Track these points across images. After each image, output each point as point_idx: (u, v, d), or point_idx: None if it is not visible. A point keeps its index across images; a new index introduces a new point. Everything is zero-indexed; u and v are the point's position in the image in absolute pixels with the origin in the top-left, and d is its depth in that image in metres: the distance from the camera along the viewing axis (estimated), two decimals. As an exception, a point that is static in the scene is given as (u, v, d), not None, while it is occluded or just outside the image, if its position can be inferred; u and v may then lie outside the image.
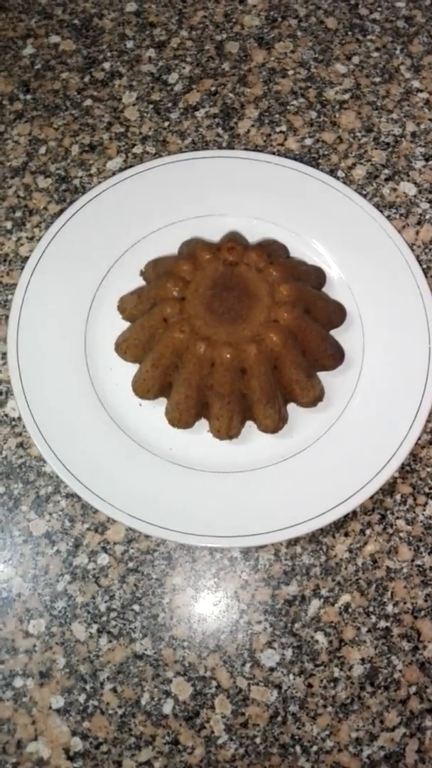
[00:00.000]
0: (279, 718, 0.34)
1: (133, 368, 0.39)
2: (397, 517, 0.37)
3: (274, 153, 0.45)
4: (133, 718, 0.34)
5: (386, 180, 0.45)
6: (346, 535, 0.37)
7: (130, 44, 0.50)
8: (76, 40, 0.50)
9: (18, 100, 0.48)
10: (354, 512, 0.37)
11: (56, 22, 0.51)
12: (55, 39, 0.50)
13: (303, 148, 0.46)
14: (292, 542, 0.37)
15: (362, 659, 0.35)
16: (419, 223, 0.44)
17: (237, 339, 0.35)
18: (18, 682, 0.35)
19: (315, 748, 0.33)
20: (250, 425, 0.38)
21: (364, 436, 0.37)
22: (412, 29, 0.50)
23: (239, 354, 0.35)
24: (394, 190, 0.45)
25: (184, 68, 0.49)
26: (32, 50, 0.50)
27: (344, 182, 0.44)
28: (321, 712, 0.34)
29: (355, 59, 0.49)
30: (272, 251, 0.39)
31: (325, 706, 0.34)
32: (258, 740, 0.34)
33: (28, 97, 0.48)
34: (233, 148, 0.46)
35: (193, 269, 0.37)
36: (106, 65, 0.49)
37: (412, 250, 0.42)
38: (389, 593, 0.36)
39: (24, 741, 0.34)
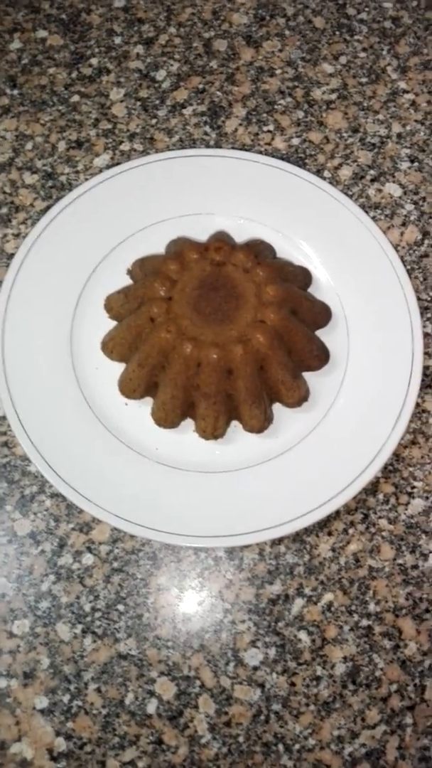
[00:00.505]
0: (262, 717, 0.34)
1: (119, 367, 0.39)
2: (380, 517, 0.37)
3: (261, 152, 0.45)
4: (117, 717, 0.34)
5: (372, 181, 0.45)
6: (330, 534, 0.37)
7: (118, 40, 0.49)
8: (63, 35, 0.50)
9: (4, 95, 0.48)
10: (337, 512, 0.37)
11: (44, 17, 0.50)
12: (42, 33, 0.50)
13: (290, 147, 0.46)
14: (276, 542, 0.37)
15: (344, 658, 0.35)
16: (404, 224, 0.44)
17: (223, 339, 0.35)
18: (2, 683, 0.35)
19: (297, 746, 0.34)
20: (235, 425, 0.38)
21: (348, 436, 0.37)
22: (399, 30, 0.50)
23: (226, 354, 0.35)
24: (380, 191, 0.45)
25: (172, 65, 0.48)
26: (19, 44, 0.49)
27: (330, 182, 0.45)
28: (303, 711, 0.34)
29: (343, 59, 0.49)
30: (259, 251, 0.39)
31: (307, 705, 0.34)
32: (241, 739, 0.34)
33: (15, 92, 0.48)
34: (221, 147, 0.46)
35: (181, 269, 0.37)
36: (94, 61, 0.49)
37: (397, 251, 0.42)
38: (371, 592, 0.36)
39: (8, 742, 0.34)
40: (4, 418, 0.39)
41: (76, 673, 0.35)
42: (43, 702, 0.34)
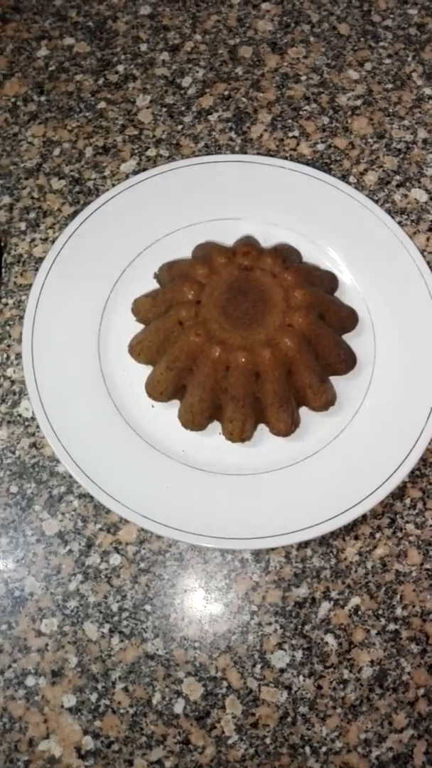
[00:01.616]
0: (289, 719, 0.34)
1: (146, 370, 0.39)
2: (407, 521, 0.37)
3: (286, 158, 0.46)
4: (145, 717, 0.34)
5: (397, 186, 0.45)
6: (356, 538, 0.37)
7: (143, 47, 0.50)
8: (90, 43, 0.50)
9: (32, 101, 0.48)
10: (364, 516, 0.37)
11: (70, 24, 0.51)
12: (69, 41, 0.50)
13: (315, 153, 0.46)
14: (303, 545, 0.37)
15: (371, 661, 0.35)
16: (430, 229, 0.44)
17: (252, 343, 0.35)
18: (30, 681, 0.35)
19: (324, 748, 0.34)
20: (262, 428, 0.38)
21: (374, 441, 0.37)
22: (424, 37, 0.50)
23: (254, 358, 0.35)
24: (406, 196, 0.45)
25: (197, 72, 0.49)
26: (46, 52, 0.50)
27: (356, 188, 0.45)
28: (330, 714, 0.34)
29: (368, 65, 0.49)
30: (286, 256, 0.39)
31: (334, 708, 0.34)
32: (268, 740, 0.34)
33: (43, 98, 0.48)
34: (246, 153, 0.46)
35: (209, 273, 0.37)
36: (120, 68, 0.49)
37: (423, 256, 0.43)
38: (398, 596, 0.36)
39: (36, 739, 0.34)
40: (32, 419, 0.40)
41: (104, 672, 0.35)
42: (71, 700, 0.35)
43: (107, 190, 0.45)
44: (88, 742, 0.34)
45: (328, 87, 0.48)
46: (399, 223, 0.44)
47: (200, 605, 0.36)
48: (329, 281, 0.40)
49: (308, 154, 0.46)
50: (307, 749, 0.34)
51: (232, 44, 0.50)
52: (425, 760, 0.34)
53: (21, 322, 0.42)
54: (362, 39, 0.50)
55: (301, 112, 0.47)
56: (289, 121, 0.47)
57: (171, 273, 0.40)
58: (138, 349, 0.39)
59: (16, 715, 0.35)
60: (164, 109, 0.48)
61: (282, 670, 0.35)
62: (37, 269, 0.43)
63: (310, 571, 0.36)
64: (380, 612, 0.36)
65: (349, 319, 0.40)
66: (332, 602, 0.36)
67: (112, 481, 0.36)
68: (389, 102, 0.48)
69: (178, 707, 0.34)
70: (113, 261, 0.42)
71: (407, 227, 0.44)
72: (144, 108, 0.48)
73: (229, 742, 0.34)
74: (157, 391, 0.38)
